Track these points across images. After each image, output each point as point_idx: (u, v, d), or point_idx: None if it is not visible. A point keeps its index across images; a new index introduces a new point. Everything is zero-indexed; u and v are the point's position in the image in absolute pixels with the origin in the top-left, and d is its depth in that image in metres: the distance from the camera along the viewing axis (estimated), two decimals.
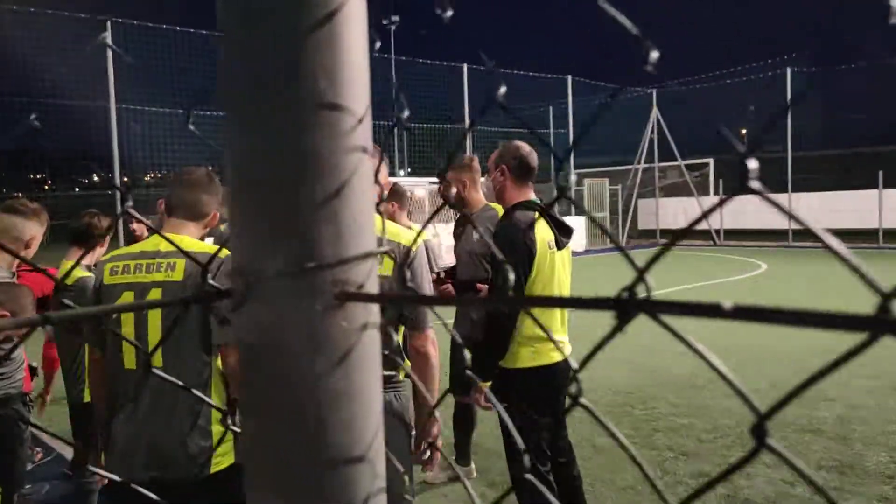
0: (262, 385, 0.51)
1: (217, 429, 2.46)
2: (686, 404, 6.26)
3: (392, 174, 21.41)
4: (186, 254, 0.71)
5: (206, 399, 0.77)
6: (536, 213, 3.27)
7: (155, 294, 2.40)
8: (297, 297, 0.50)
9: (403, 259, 2.47)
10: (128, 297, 2.41)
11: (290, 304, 0.50)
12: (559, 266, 3.32)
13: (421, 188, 18.91)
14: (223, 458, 2.46)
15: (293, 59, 0.49)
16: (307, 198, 0.49)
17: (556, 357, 3.28)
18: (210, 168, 2.78)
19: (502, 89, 0.50)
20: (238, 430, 0.63)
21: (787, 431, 5.41)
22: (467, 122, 20.54)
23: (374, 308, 0.52)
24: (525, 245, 3.14)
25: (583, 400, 0.54)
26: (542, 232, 3.22)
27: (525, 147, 3.41)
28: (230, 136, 0.51)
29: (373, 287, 0.52)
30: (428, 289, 2.71)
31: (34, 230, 3.50)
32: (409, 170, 23.92)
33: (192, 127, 0.64)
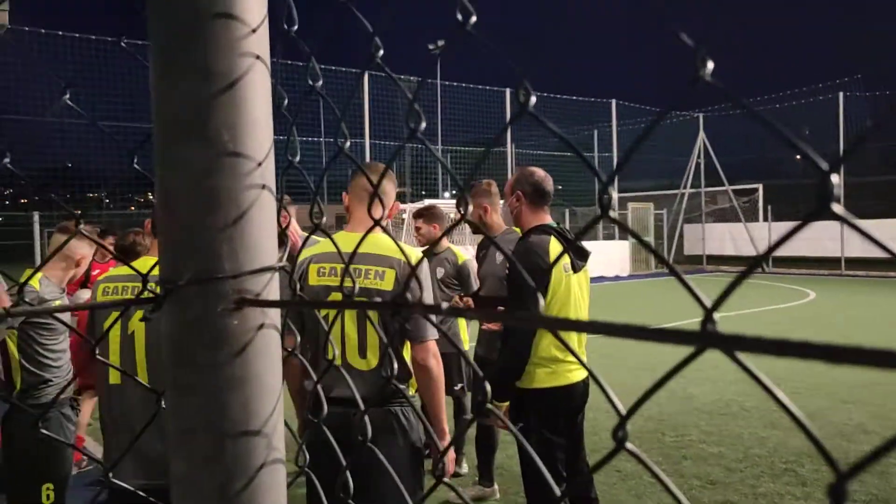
0: (178, 369, 0.64)
1: None
2: (717, 432, 6.18)
3: (436, 196, 21.64)
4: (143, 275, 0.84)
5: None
6: (552, 237, 3.34)
7: (137, 316, 2.53)
8: (203, 302, 0.62)
9: (404, 274, 2.56)
10: (115, 317, 2.59)
11: (197, 307, 0.63)
12: (575, 288, 3.38)
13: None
14: None
15: (203, 117, 0.62)
16: (212, 224, 0.62)
17: (574, 377, 3.32)
18: None
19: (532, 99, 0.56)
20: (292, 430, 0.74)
21: (819, 464, 5.31)
22: (510, 145, 20.68)
23: (272, 312, 0.65)
24: (540, 268, 3.19)
25: (630, 446, 0.52)
26: (557, 254, 3.28)
27: (539, 172, 3.50)
28: (157, 172, 0.64)
29: (270, 295, 0.64)
30: (430, 301, 2.81)
31: (84, 250, 3.73)
32: (454, 192, 24.18)
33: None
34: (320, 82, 0.73)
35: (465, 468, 5.24)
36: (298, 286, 2.78)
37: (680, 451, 5.73)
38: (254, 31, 0.63)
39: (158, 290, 0.63)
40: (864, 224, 0.37)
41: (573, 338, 3.46)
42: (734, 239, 24.04)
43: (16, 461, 3.61)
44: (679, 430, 6.30)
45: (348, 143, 0.68)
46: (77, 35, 14.37)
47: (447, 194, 23.56)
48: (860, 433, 6.05)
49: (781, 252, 22.37)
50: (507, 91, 20.32)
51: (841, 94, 21.84)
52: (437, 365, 2.64)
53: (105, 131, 16.45)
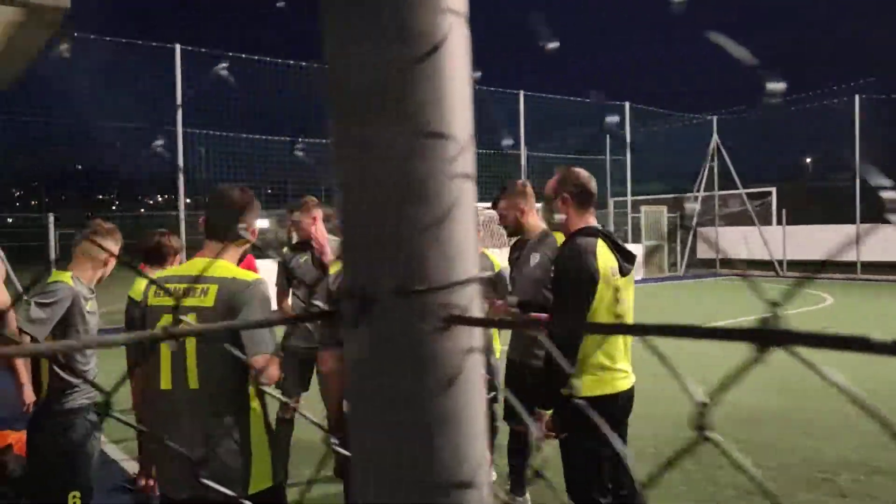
0: (372, 402, 0.52)
1: (257, 450, 2.48)
2: (749, 440, 6.04)
3: None
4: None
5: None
6: (599, 239, 3.23)
7: (190, 319, 2.44)
8: (408, 319, 0.51)
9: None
10: (167, 320, 2.48)
11: (400, 325, 0.51)
12: (623, 293, 3.27)
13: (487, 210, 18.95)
14: (261, 480, 2.47)
15: (404, 88, 0.50)
16: (415, 221, 0.51)
17: (620, 386, 3.22)
18: (244, 187, 2.82)
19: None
20: (340, 449, 0.64)
21: (857, 473, 5.17)
22: (523, 148, 20.56)
23: (478, 332, 0.53)
24: (588, 272, 3.10)
25: (710, 433, 0.49)
26: (605, 258, 3.19)
27: (584, 173, 3.40)
28: (340, 162, 0.53)
29: (475, 312, 0.53)
30: None
31: (110, 249, 3.68)
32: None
33: (299, 153, 0.66)
34: None
35: (493, 475, 5.12)
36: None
37: (713, 459, 5.59)
38: None
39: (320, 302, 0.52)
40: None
41: (619, 344, 3.35)
42: (748, 243, 23.84)
43: (42, 469, 3.54)
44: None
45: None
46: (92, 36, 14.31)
47: None
48: (893, 442, 5.90)
49: (796, 256, 22.17)
50: (521, 93, 20.20)
51: (857, 97, 21.63)
52: None
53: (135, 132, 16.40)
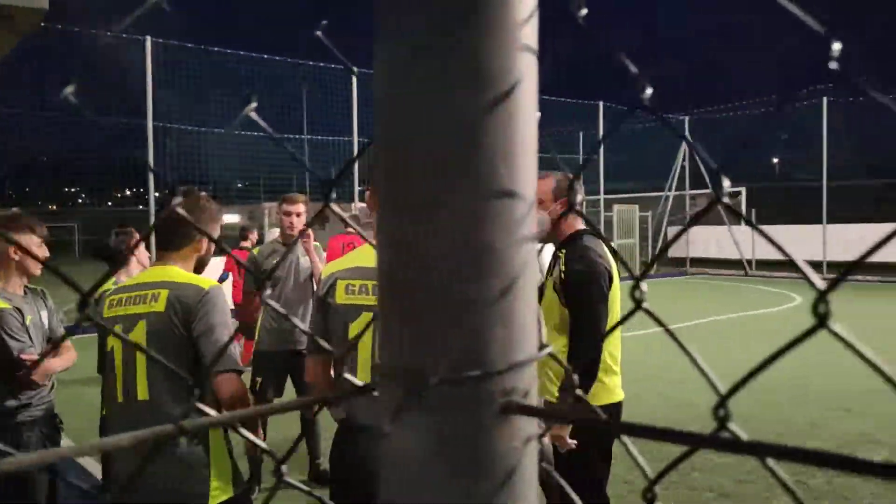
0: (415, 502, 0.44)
1: (216, 462, 2.37)
2: None
3: None
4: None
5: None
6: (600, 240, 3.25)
7: (140, 327, 2.36)
8: (462, 408, 0.44)
9: None
10: (117, 330, 2.40)
11: (452, 416, 0.44)
12: (620, 295, 3.26)
13: None
14: (221, 493, 2.37)
15: (474, 142, 0.43)
16: (478, 295, 0.44)
17: (619, 395, 3.21)
18: (203, 193, 2.71)
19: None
20: (291, 481, 0.56)
21: (831, 475, 5.23)
22: None
23: (535, 419, 0.46)
24: (606, 272, 3.10)
25: (733, 426, 0.45)
26: (611, 259, 3.20)
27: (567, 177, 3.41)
28: (389, 223, 0.45)
29: (533, 394, 0.46)
30: None
31: (26, 244, 3.29)
32: None
33: (304, 160, 0.58)
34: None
35: None
36: (326, 303, 2.60)
37: (688, 462, 5.60)
38: (531, 14, 0.45)
39: (351, 376, 0.45)
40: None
41: (618, 351, 3.32)
42: (719, 242, 24.14)
43: None
44: None
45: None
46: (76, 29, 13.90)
47: None
48: (865, 443, 6.00)
49: (764, 255, 22.52)
50: None
51: (825, 99, 21.98)
52: None
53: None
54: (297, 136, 19.00)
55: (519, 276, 0.45)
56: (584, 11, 0.48)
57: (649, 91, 0.41)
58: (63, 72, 14.68)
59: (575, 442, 3.11)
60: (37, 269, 3.33)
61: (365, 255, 2.54)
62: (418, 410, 0.44)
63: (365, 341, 2.42)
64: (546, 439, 2.82)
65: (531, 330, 0.46)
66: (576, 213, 3.23)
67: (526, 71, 0.44)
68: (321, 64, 16.53)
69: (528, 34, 0.44)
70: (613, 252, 3.30)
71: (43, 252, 3.25)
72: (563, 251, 3.22)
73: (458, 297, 0.44)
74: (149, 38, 13.76)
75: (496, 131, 0.44)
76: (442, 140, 0.44)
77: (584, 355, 3.04)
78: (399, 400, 0.44)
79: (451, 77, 0.43)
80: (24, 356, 3.13)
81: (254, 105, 0.59)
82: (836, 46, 0.39)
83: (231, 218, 21.22)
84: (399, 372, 0.45)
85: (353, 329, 2.41)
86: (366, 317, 2.41)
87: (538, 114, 0.46)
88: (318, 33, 0.53)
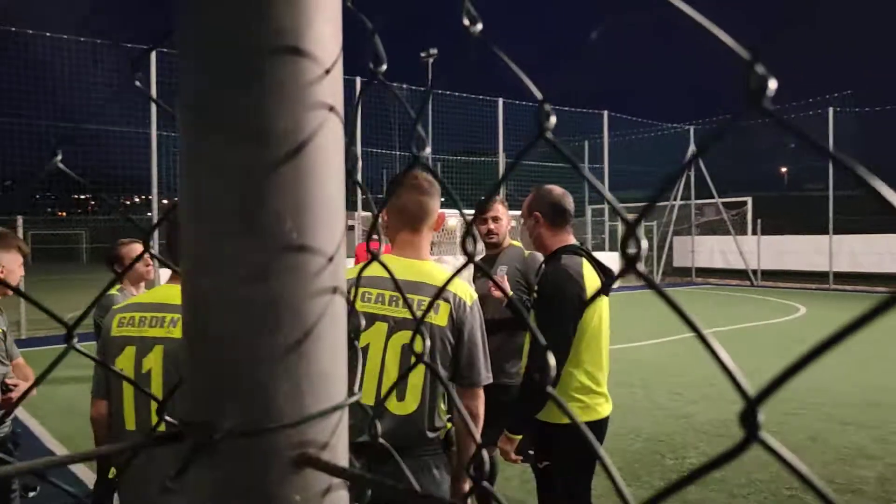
0: None
1: None
2: (715, 454, 6.03)
3: None
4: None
5: None
6: (583, 259, 3.08)
7: (157, 352, 2.23)
8: (250, 461, 0.44)
9: (461, 315, 2.31)
10: (130, 352, 2.27)
11: (240, 469, 0.44)
12: (604, 313, 3.14)
13: (453, 218, 18.93)
14: None
15: (258, 197, 0.44)
16: (266, 349, 0.44)
17: (603, 412, 3.09)
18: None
19: (552, 119, 0.45)
20: None
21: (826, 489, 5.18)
22: (501, 154, 20.55)
23: (346, 458, 0.46)
24: (576, 294, 2.94)
25: (764, 435, 0.39)
26: (591, 279, 3.04)
27: (557, 190, 3.25)
28: (184, 272, 0.46)
29: (340, 445, 0.46)
30: (485, 348, 2.48)
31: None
32: (442, 199, 24.01)
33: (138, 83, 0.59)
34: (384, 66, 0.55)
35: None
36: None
37: (680, 475, 5.55)
38: (328, 71, 0.45)
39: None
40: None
41: (603, 366, 3.21)
42: (723, 252, 24.04)
43: None
44: (678, 451, 6.14)
45: (428, 150, 0.48)
46: (65, 36, 14.06)
47: None
48: (861, 458, 5.93)
49: (770, 266, 22.40)
50: (500, 101, 20.20)
51: (831, 110, 21.90)
52: (482, 410, 2.39)
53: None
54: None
55: (315, 325, 0.45)
56: (480, 27, 0.47)
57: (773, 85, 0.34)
58: (69, 79, 14.79)
59: (518, 458, 3.09)
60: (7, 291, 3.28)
61: (376, 265, 2.50)
62: (204, 463, 0.44)
63: (374, 352, 2.36)
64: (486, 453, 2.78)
65: (335, 380, 0.46)
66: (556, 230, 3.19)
67: (318, 128, 0.45)
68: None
69: (324, 92, 0.45)
70: (601, 267, 3.20)
71: (21, 271, 3.23)
72: (542, 269, 3.17)
73: (245, 351, 0.44)
74: (153, 52, 13.85)
75: (283, 188, 0.44)
76: (228, 195, 0.44)
77: (529, 379, 3.00)
78: (188, 454, 0.44)
79: (234, 135, 0.44)
80: (8, 381, 3.11)
81: None
82: (760, 70, 0.34)
83: None
84: (189, 425, 0.45)
85: (364, 338, 2.35)
86: (378, 326, 2.33)
87: (359, 163, 0.46)
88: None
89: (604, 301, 3.15)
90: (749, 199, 24.86)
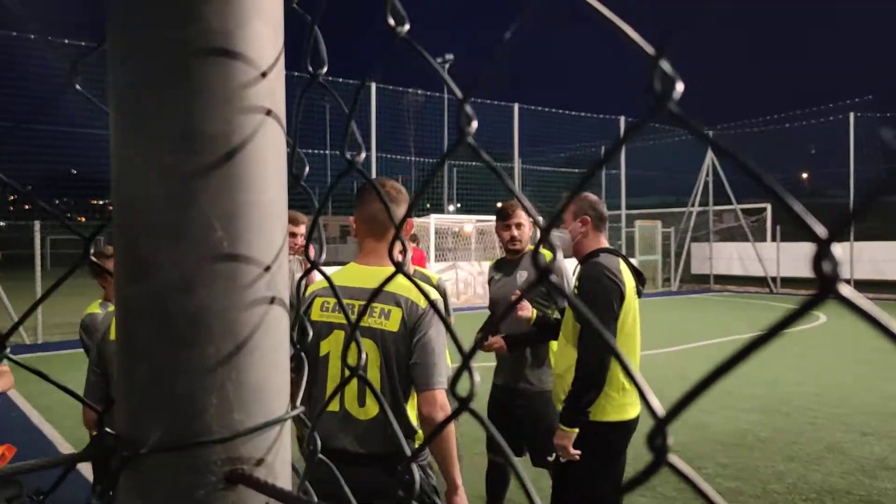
0: None
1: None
2: (734, 465, 5.93)
3: (440, 210, 21.48)
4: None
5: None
6: (620, 259, 3.21)
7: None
8: (177, 477, 0.42)
9: (413, 318, 2.31)
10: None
11: (167, 485, 0.42)
12: (638, 315, 3.24)
13: (469, 224, 18.93)
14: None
15: (184, 203, 0.42)
16: (193, 362, 0.42)
17: (633, 412, 3.16)
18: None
19: (474, 124, 0.42)
20: None
21: (842, 501, 5.08)
22: (517, 159, 20.53)
23: (286, 475, 0.44)
24: (618, 287, 3.06)
25: (674, 459, 0.38)
26: (629, 278, 3.17)
27: (594, 197, 3.44)
28: (118, 284, 0.44)
29: (278, 461, 0.44)
30: (440, 352, 2.44)
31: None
32: (459, 205, 23.98)
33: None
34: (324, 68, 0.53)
35: None
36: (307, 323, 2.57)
37: (695, 487, 5.49)
38: (264, 74, 0.43)
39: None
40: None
41: (637, 365, 3.32)
42: (742, 259, 23.79)
43: None
44: (694, 462, 6.05)
45: (363, 156, 0.47)
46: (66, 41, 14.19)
47: (451, 207, 23.39)
48: (881, 469, 5.81)
49: (790, 273, 22.12)
50: (516, 106, 20.18)
51: (851, 115, 21.63)
52: (442, 417, 2.33)
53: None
54: (320, 152, 19.26)
55: (249, 338, 0.43)
56: (407, 27, 0.44)
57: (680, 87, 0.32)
58: (85, 85, 14.93)
59: (576, 452, 3.11)
60: None
61: (346, 275, 2.52)
62: (131, 479, 0.43)
63: (334, 361, 2.38)
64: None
65: (271, 395, 0.44)
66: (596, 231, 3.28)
67: (253, 132, 0.43)
68: (340, 79, 16.70)
69: (259, 95, 0.43)
70: (635, 270, 3.30)
71: None
72: (579, 268, 3.26)
73: (172, 363, 0.42)
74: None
75: (214, 194, 0.42)
76: (154, 201, 0.43)
77: (586, 370, 3.04)
78: (115, 468, 0.43)
79: (161, 138, 0.42)
80: None
81: None
82: (667, 68, 0.31)
83: None
84: (119, 439, 0.44)
85: (324, 347, 2.40)
86: (337, 335, 2.35)
87: (306, 168, 0.44)
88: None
89: (637, 303, 3.23)
90: (768, 206, 24.60)
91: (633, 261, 3.33)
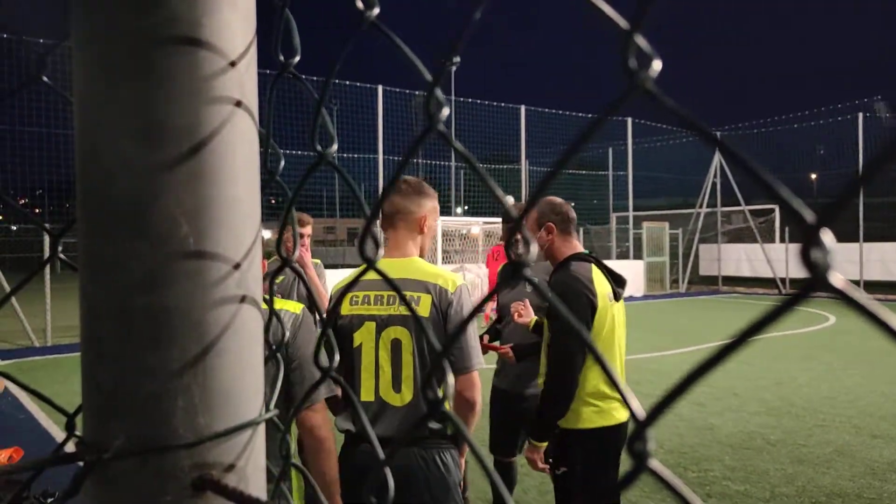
0: None
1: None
2: (742, 468, 5.89)
3: (448, 213, 21.46)
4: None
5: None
6: (592, 264, 3.13)
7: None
8: (142, 483, 0.41)
9: (444, 303, 2.34)
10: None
11: (132, 491, 0.41)
12: (618, 319, 3.17)
13: (476, 227, 18.91)
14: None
15: (148, 198, 0.40)
16: (158, 363, 0.41)
17: (620, 416, 3.11)
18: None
19: (445, 111, 0.40)
20: None
21: None
22: (524, 161, 20.50)
23: (259, 480, 0.43)
24: (587, 297, 3.01)
25: (654, 463, 0.37)
26: (601, 284, 3.09)
27: (558, 200, 3.36)
28: (84, 288, 0.43)
29: (249, 466, 0.42)
30: (473, 334, 2.51)
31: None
32: (466, 207, 23.96)
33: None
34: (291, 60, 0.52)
35: None
36: (335, 318, 2.59)
37: (704, 489, 5.44)
38: (233, 63, 0.41)
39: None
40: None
41: (618, 371, 3.25)
42: (750, 260, 23.67)
43: None
44: (702, 464, 6.00)
45: (334, 147, 0.44)
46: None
47: (459, 209, 23.38)
48: (892, 472, 5.75)
49: (799, 273, 21.97)
50: (523, 108, 20.16)
51: (860, 116, 21.50)
52: (479, 399, 2.39)
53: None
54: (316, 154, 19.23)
55: (218, 338, 0.41)
56: (377, 11, 0.42)
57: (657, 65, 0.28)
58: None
59: (545, 466, 3.10)
60: None
61: (383, 268, 2.52)
62: (95, 483, 0.41)
63: (367, 351, 2.40)
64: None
65: (241, 398, 0.43)
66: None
67: (222, 125, 0.42)
68: (347, 82, 16.73)
69: (228, 86, 0.41)
70: (611, 273, 3.22)
71: None
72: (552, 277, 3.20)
73: (135, 365, 0.41)
74: None
75: (179, 189, 0.41)
76: (117, 195, 0.41)
77: (553, 384, 3.01)
78: (80, 473, 0.41)
79: (124, 130, 0.40)
80: None
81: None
82: (643, 44, 0.28)
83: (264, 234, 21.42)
84: (83, 443, 0.42)
85: (357, 339, 2.42)
86: (368, 326, 2.39)
87: (282, 162, 0.43)
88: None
89: (618, 307, 3.16)
90: (776, 207, 24.44)
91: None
